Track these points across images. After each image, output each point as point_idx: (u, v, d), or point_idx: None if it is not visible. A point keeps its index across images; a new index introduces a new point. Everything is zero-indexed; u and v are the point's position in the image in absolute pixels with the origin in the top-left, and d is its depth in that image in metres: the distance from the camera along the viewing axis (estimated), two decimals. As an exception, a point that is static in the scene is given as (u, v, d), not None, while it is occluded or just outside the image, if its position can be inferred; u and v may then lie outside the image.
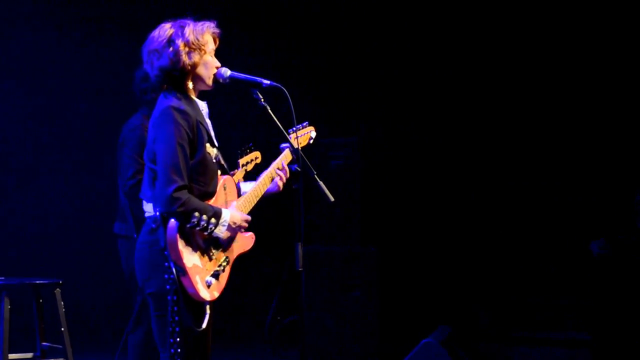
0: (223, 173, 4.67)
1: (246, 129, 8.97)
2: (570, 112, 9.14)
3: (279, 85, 4.61)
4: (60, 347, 6.84)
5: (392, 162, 9.37)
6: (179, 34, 4.52)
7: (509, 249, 9.20)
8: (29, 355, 6.91)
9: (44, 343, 6.93)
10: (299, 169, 4.64)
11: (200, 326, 4.37)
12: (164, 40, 4.52)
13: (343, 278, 8.09)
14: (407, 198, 9.37)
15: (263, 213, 8.55)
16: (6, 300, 6.64)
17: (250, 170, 5.49)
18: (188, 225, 4.31)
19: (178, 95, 4.53)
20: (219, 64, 4.65)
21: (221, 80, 4.65)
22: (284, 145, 5.02)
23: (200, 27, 4.57)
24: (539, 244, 9.15)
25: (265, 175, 4.87)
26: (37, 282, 6.88)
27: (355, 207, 8.17)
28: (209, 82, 4.63)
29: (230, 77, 4.64)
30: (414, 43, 9.45)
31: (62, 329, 6.84)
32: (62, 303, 6.86)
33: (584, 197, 9.01)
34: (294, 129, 4.95)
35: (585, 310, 8.48)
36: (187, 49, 4.50)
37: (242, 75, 4.66)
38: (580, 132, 9.07)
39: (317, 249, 8.11)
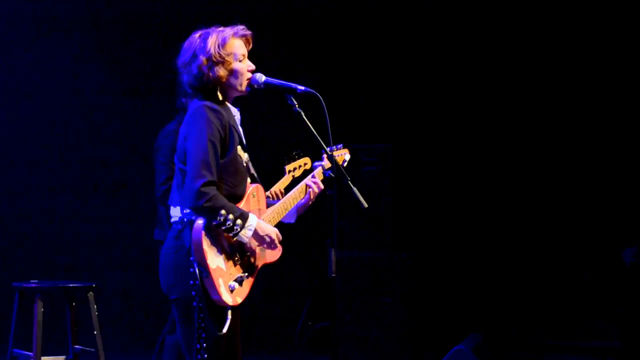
0: (252, 181, 4.64)
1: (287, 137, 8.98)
2: (600, 117, 9.10)
3: (314, 92, 4.58)
4: (93, 350, 6.88)
5: (425, 169, 9.35)
6: (202, 47, 4.47)
7: (541, 257, 9.16)
8: (62, 358, 6.95)
9: (77, 346, 6.97)
10: (332, 175, 4.63)
11: (221, 330, 4.32)
12: (190, 55, 4.49)
13: (374, 284, 8.08)
14: (439, 205, 9.35)
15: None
16: (40, 303, 6.68)
17: (298, 177, 5.48)
18: (214, 223, 4.25)
19: (211, 100, 4.51)
20: (252, 67, 4.59)
21: (255, 86, 4.61)
22: (317, 163, 4.99)
23: (222, 37, 4.50)
24: (570, 252, 9.10)
25: (296, 190, 4.82)
26: (71, 285, 6.92)
27: (387, 214, 8.16)
28: (242, 88, 4.58)
29: (265, 82, 4.59)
30: (451, 51, 9.43)
31: (95, 332, 6.87)
32: (95, 306, 6.89)
33: (618, 205, 8.96)
34: (330, 149, 4.85)
35: (617, 319, 8.44)
36: (209, 63, 4.46)
37: (277, 80, 4.63)
38: (613, 138, 9.03)
39: (349, 255, 8.11)
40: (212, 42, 4.48)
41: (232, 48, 4.53)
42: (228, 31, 4.55)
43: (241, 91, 4.59)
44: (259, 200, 4.65)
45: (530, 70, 9.29)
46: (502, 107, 9.35)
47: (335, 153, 5.07)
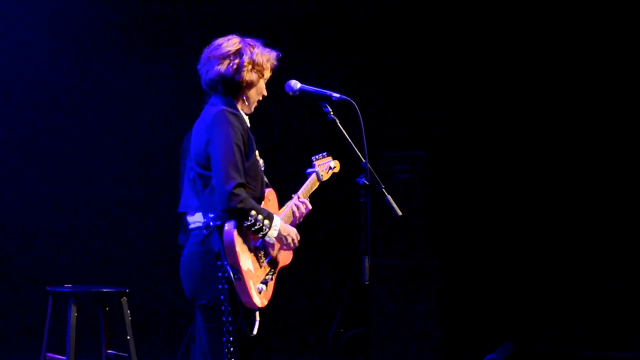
0: (265, 186, 4.71)
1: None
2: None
3: (349, 99, 4.60)
4: (126, 355, 6.90)
5: (458, 175, 9.31)
6: (248, 51, 4.57)
7: (576, 264, 9.10)
8: (95, 362, 7.00)
9: (110, 351, 6.99)
10: (367, 183, 4.62)
11: (252, 332, 4.42)
12: (231, 51, 4.56)
13: (407, 291, 8.07)
14: (472, 212, 9.31)
15: (327, 225, 8.59)
16: (73, 308, 6.72)
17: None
18: (245, 224, 4.35)
19: (226, 103, 4.58)
20: (265, 94, 4.69)
21: (291, 93, 4.67)
22: (310, 170, 5.08)
23: (268, 54, 4.63)
24: (606, 260, 9.04)
25: (288, 210, 4.85)
26: (104, 290, 6.95)
27: (419, 221, 8.14)
28: (252, 107, 4.68)
29: (300, 89, 4.64)
30: (484, 57, 9.39)
31: (128, 337, 6.90)
32: (129, 311, 6.92)
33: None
34: (316, 157, 5.08)
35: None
36: (250, 67, 4.55)
37: (312, 88, 4.66)
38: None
39: (381, 262, 8.09)
40: (259, 52, 4.60)
41: (267, 68, 4.64)
42: (272, 52, 4.66)
43: (249, 109, 4.69)
44: (273, 205, 4.75)
45: (572, 76, 9.23)
46: (535, 114, 9.29)
47: (320, 162, 5.15)
